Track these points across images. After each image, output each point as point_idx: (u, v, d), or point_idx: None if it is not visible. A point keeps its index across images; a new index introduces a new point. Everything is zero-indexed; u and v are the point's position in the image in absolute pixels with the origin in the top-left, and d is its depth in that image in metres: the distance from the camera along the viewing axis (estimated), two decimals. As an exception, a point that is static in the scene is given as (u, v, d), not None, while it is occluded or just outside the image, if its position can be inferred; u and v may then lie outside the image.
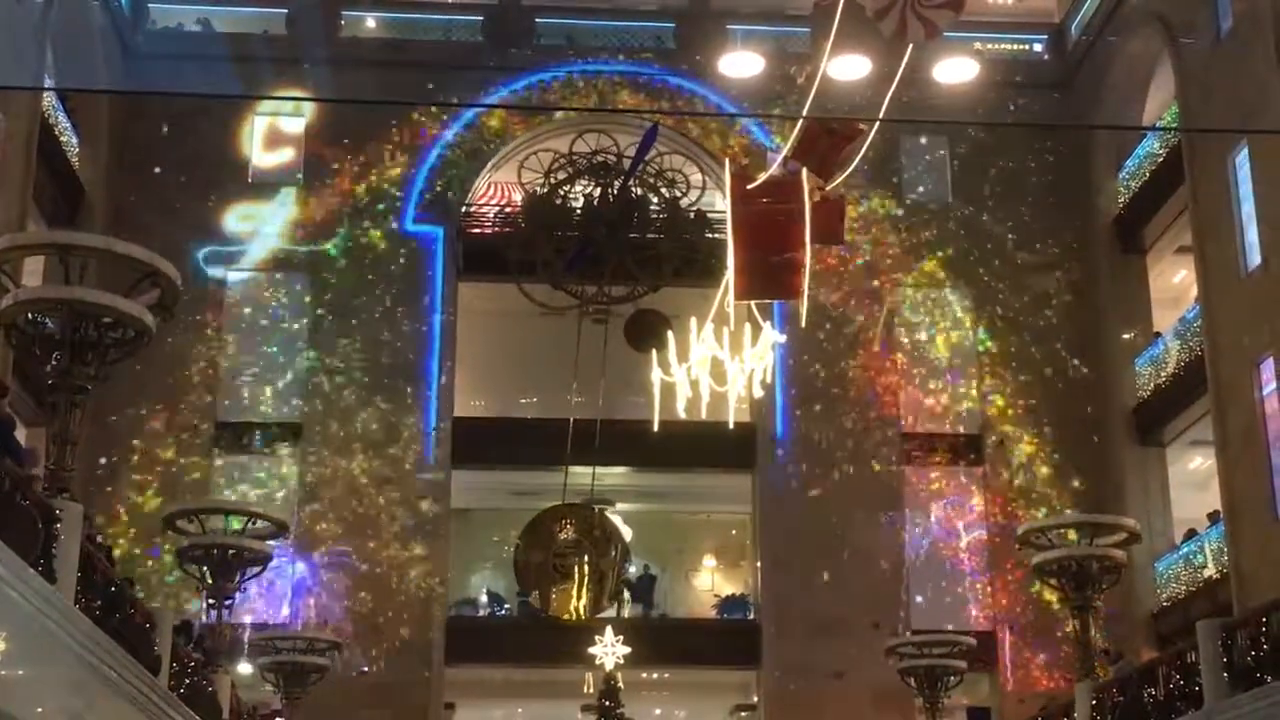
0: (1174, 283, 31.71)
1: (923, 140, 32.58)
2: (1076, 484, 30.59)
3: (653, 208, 31.01)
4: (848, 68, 11.89)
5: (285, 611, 28.95)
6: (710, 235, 28.95)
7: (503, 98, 31.57)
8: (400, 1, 34.12)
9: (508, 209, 31.52)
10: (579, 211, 30.78)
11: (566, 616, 29.03)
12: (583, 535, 29.64)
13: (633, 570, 31.99)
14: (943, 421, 31.36)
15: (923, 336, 31.75)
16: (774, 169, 12.97)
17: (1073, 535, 21.14)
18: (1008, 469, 30.85)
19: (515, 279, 30.45)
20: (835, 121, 12.41)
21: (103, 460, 28.51)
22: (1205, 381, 26.60)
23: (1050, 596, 26.45)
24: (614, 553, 29.71)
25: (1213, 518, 27.12)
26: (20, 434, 15.58)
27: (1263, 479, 24.42)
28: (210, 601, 19.69)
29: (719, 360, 14.99)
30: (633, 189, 30.73)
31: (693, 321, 15.02)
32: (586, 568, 29.38)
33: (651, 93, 31.79)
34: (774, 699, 29.66)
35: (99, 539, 15.97)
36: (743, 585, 32.77)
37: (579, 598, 29.34)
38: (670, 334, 16.23)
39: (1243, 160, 25.55)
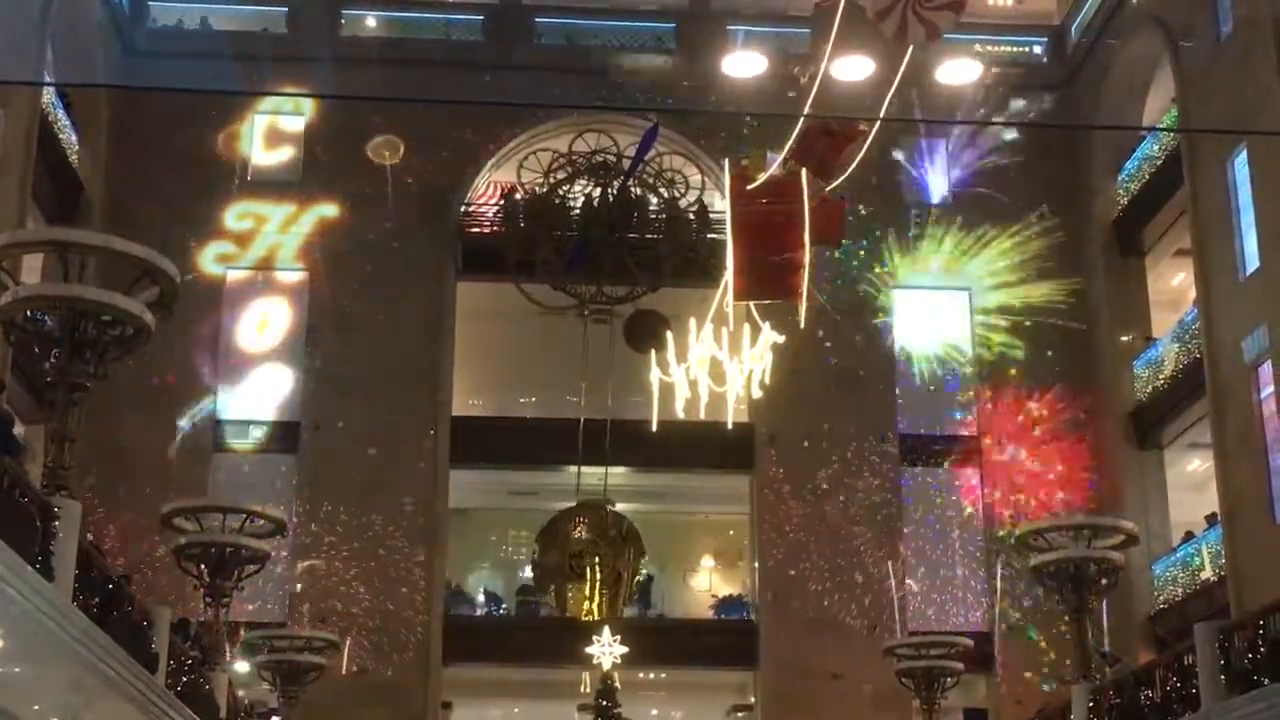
0: (1172, 285, 31.70)
1: (921, 141, 32.57)
2: (1074, 485, 30.56)
3: (652, 208, 31.07)
4: (849, 69, 11.89)
5: (282, 610, 28.93)
6: (710, 236, 29.00)
7: (502, 96, 31.52)
8: (400, 0, 34.10)
9: (506, 208, 31.48)
10: (578, 211, 30.85)
11: (587, 617, 29.10)
12: (598, 535, 29.72)
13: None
14: (940, 423, 31.36)
15: (921, 338, 31.73)
16: (773, 170, 12.98)
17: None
18: (1004, 470, 30.84)
19: (514, 279, 30.51)
20: (835, 122, 12.42)
21: (99, 458, 28.42)
22: (1203, 384, 26.60)
23: (1047, 598, 26.41)
24: (629, 553, 29.84)
25: (1210, 520, 27.13)
26: (18, 431, 15.56)
27: (1260, 482, 24.42)
28: (208, 600, 19.68)
29: (718, 360, 15.02)
30: (632, 189, 30.78)
31: (692, 322, 15.04)
32: (599, 568, 29.46)
33: (651, 92, 31.68)
34: (771, 699, 29.65)
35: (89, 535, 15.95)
36: (740, 586, 32.77)
37: (593, 598, 29.46)
38: (669, 334, 16.25)
39: (1241, 163, 25.55)
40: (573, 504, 30.60)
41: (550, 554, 30.28)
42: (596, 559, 29.71)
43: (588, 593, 29.74)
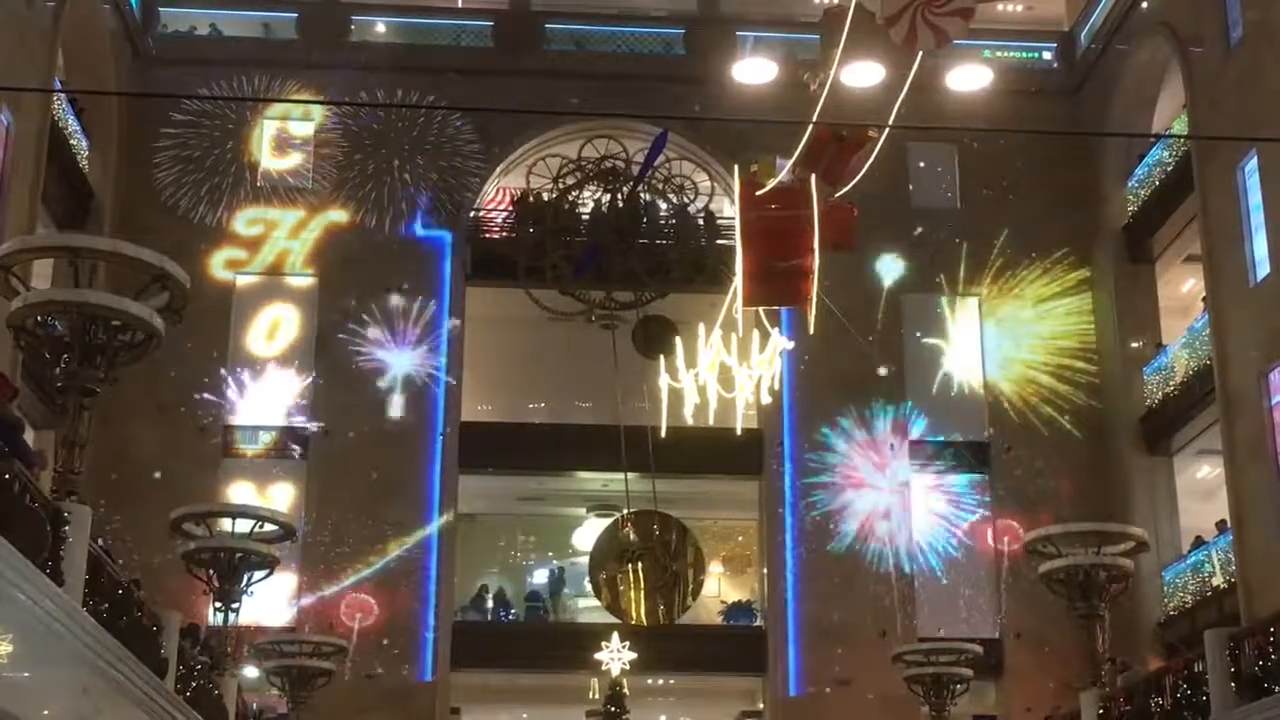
0: (1182, 292, 31.66)
1: (931, 147, 32.55)
2: (1084, 492, 30.50)
3: (661, 214, 31.06)
4: (858, 75, 11.88)
5: (291, 615, 28.96)
6: (719, 241, 29.00)
7: (511, 103, 31.55)
8: (410, 6, 34.16)
9: (516, 213, 31.52)
10: (587, 217, 30.86)
11: (646, 620, 29.04)
12: (646, 539, 29.75)
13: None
14: (950, 428, 31.31)
15: (930, 344, 31.71)
16: (783, 175, 12.97)
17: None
18: (1014, 477, 30.80)
19: (523, 284, 30.52)
20: (844, 128, 12.41)
21: (110, 463, 28.46)
22: (1213, 391, 26.55)
23: (1057, 605, 26.35)
24: (689, 554, 29.90)
25: (1221, 527, 27.08)
26: (29, 436, 15.58)
27: (1271, 488, 24.37)
28: (217, 605, 19.69)
29: (727, 366, 15.02)
30: (641, 195, 30.79)
31: (701, 328, 15.04)
32: (644, 573, 29.47)
33: (661, 98, 31.67)
34: (780, 706, 29.62)
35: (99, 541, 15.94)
36: (749, 592, 32.73)
37: (644, 602, 29.50)
38: (678, 340, 16.25)
39: (1252, 169, 25.52)
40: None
41: (610, 564, 30.30)
42: (640, 564, 29.74)
43: (639, 597, 29.77)
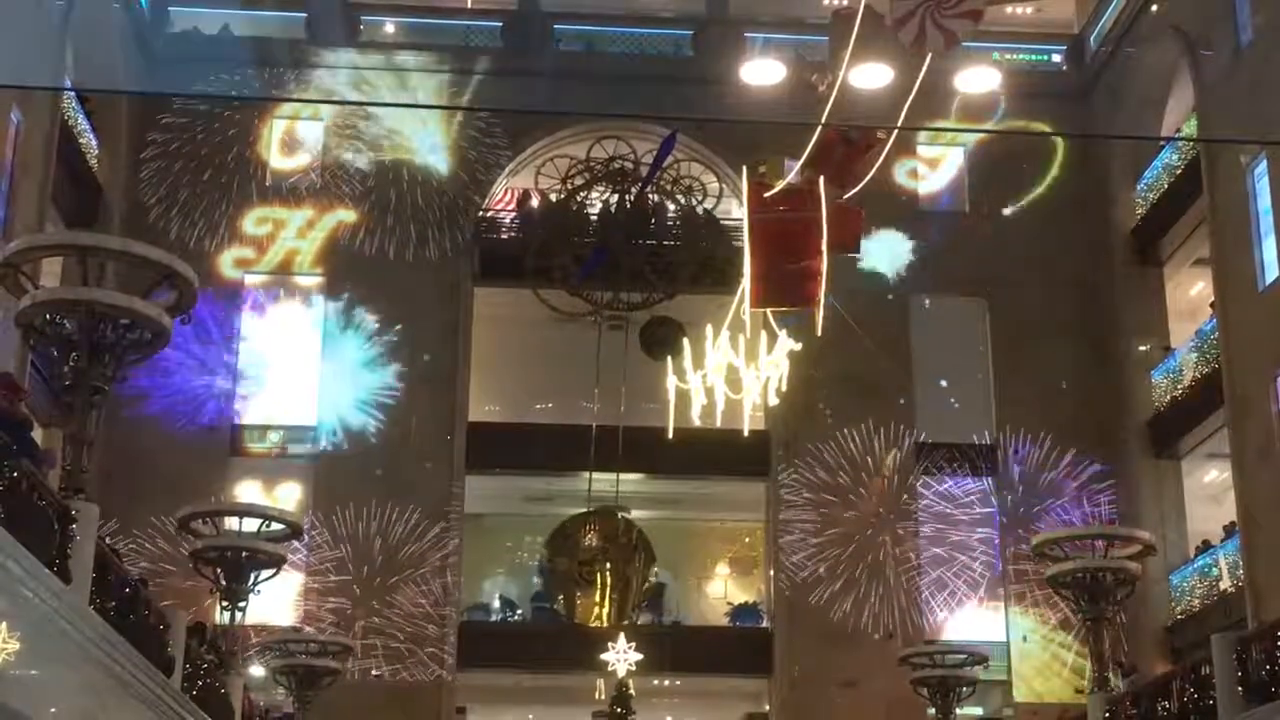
0: (1191, 295, 31.60)
1: (940, 149, 32.54)
2: (1091, 495, 30.46)
3: (670, 215, 31.07)
4: (867, 76, 11.85)
5: (298, 614, 28.98)
6: (722, 241, 29.03)
7: (520, 102, 31.55)
8: (419, 6, 34.19)
9: (524, 214, 31.56)
10: (596, 218, 30.88)
11: (595, 623, 29.07)
12: (608, 542, 29.71)
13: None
14: (957, 431, 31.28)
15: (938, 346, 31.67)
16: (791, 177, 12.94)
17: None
18: (1021, 479, 30.76)
19: (531, 285, 30.55)
20: (853, 130, 12.39)
21: (118, 461, 28.50)
22: (1221, 394, 26.51)
23: (1064, 608, 26.34)
24: (639, 560, 29.83)
25: (1228, 531, 27.04)
26: (37, 434, 15.59)
27: (1279, 492, 24.32)
28: (224, 604, 19.70)
29: (734, 368, 14.98)
30: (650, 196, 30.79)
31: (708, 329, 15.01)
32: (610, 575, 29.44)
33: (669, 99, 31.67)
34: (786, 708, 29.62)
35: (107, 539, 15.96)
36: (755, 593, 32.71)
37: (602, 604, 29.45)
38: (685, 341, 16.22)
39: (1261, 172, 25.49)
40: (583, 510, 30.61)
41: (560, 560, 30.30)
42: (607, 565, 29.72)
43: (597, 599, 29.74)
